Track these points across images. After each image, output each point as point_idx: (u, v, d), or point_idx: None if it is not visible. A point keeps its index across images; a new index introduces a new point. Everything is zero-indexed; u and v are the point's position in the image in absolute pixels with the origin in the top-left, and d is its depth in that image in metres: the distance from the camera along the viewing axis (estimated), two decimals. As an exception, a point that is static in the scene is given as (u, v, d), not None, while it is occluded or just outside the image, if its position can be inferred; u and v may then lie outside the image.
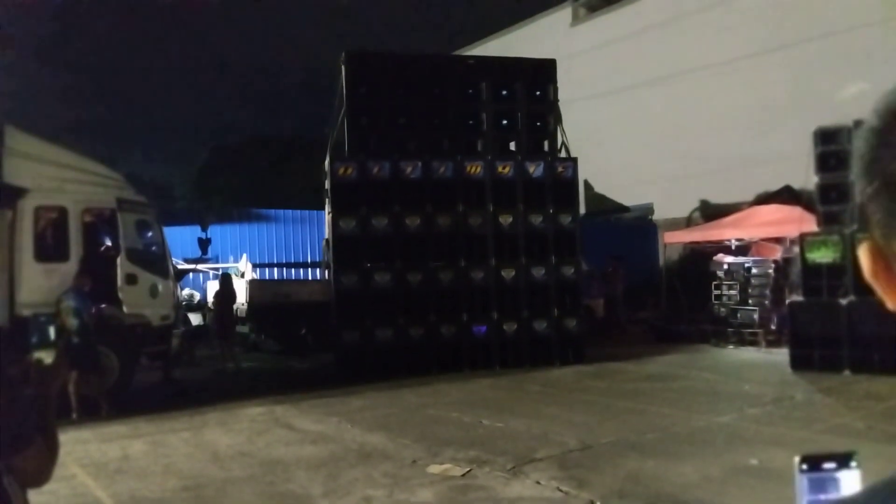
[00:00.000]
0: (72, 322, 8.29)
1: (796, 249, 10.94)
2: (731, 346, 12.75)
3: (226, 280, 12.72)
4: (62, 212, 9.13)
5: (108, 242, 9.70)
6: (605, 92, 20.73)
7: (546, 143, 12.60)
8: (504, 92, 12.35)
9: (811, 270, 9.92)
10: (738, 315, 13.05)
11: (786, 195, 14.82)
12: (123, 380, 9.15)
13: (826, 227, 10.01)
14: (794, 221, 11.86)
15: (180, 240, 14.61)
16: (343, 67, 11.72)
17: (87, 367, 8.27)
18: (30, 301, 8.68)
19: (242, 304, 14.39)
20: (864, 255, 0.58)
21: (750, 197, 15.86)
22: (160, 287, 9.80)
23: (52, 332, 8.47)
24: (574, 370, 10.98)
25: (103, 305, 9.06)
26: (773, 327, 12.60)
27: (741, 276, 13.24)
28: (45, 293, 8.57)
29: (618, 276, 16.09)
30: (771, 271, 13.01)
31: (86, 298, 8.52)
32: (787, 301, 10.99)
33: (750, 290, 13.07)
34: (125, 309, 9.35)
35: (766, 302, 12.82)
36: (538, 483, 5.50)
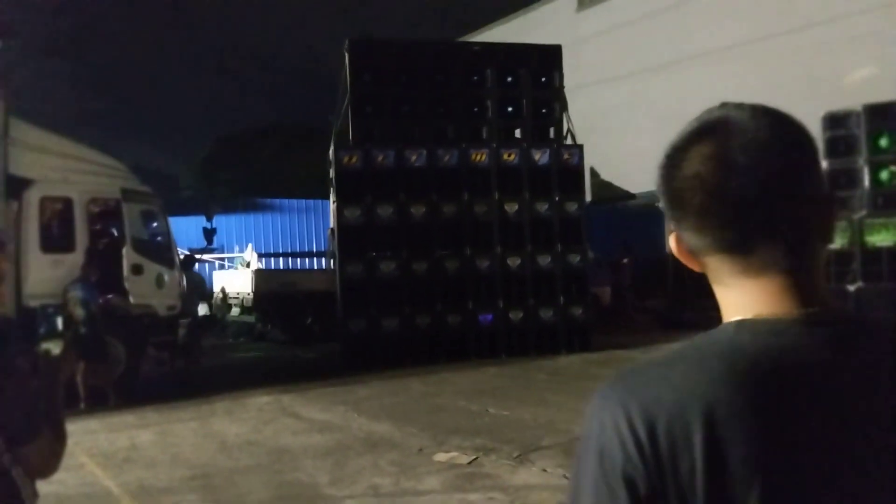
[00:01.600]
0: (79, 312, 8.32)
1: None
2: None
3: None
4: (67, 202, 9.13)
5: (114, 233, 9.70)
6: (612, 78, 20.57)
7: (552, 130, 12.53)
8: (509, 78, 12.26)
9: (819, 257, 9.85)
10: (746, 302, 12.97)
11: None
12: (131, 370, 9.19)
13: (835, 212, 9.94)
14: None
15: (186, 230, 14.64)
16: (346, 55, 11.64)
17: (95, 357, 8.30)
18: (36, 292, 8.70)
19: (248, 294, 14.44)
20: (671, 238, 0.89)
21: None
22: (166, 277, 9.81)
23: (59, 322, 8.50)
24: (580, 358, 10.96)
25: (110, 296, 9.08)
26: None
27: (748, 263, 13.15)
28: (52, 284, 8.58)
29: (625, 264, 16.03)
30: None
31: (92, 289, 8.54)
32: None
33: (757, 277, 13.00)
34: (131, 299, 9.37)
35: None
36: (544, 471, 5.50)
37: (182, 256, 11.38)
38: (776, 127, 0.82)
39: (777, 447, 0.74)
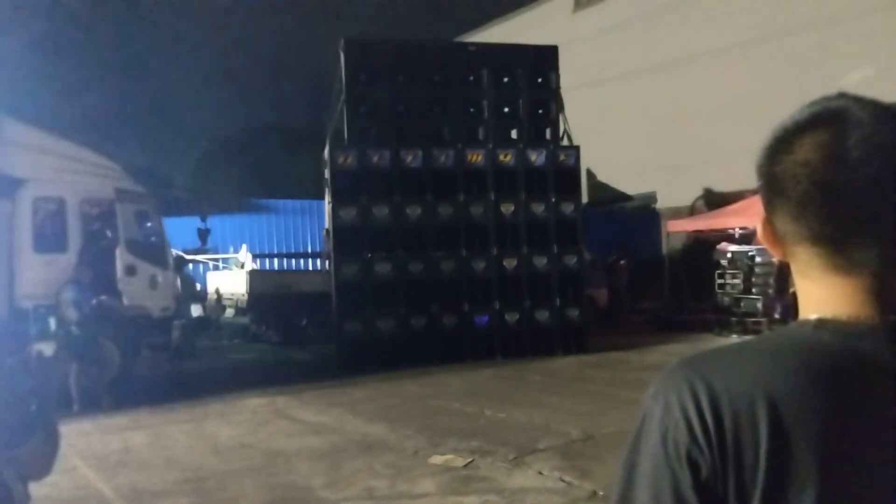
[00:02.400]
0: (72, 313, 8.26)
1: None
2: (735, 336, 12.69)
3: None
4: (61, 203, 9.08)
5: (108, 233, 9.64)
6: (608, 79, 20.58)
7: (548, 131, 12.51)
8: (505, 79, 12.23)
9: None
10: (742, 304, 12.98)
11: (790, 183, 14.70)
12: (124, 371, 9.13)
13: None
14: (797, 209, 11.76)
15: (180, 230, 14.55)
16: (342, 55, 11.61)
17: (88, 358, 8.25)
18: (29, 293, 8.65)
19: (243, 295, 14.37)
20: (758, 224, 0.88)
21: (754, 185, 15.68)
22: (160, 278, 9.76)
23: (52, 323, 8.44)
24: (576, 360, 10.95)
25: (103, 297, 9.02)
26: (776, 316, 12.54)
27: (745, 265, 13.16)
28: (45, 285, 8.53)
29: (621, 266, 16.03)
30: (774, 260, 12.90)
31: (85, 290, 8.49)
32: (791, 290, 10.91)
33: (753, 279, 13.00)
34: (125, 300, 9.31)
35: (770, 291, 12.76)
36: (540, 473, 5.47)
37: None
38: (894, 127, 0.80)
39: (839, 452, 0.74)
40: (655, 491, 0.77)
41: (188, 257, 13.97)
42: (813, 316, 0.82)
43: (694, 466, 0.75)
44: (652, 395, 0.82)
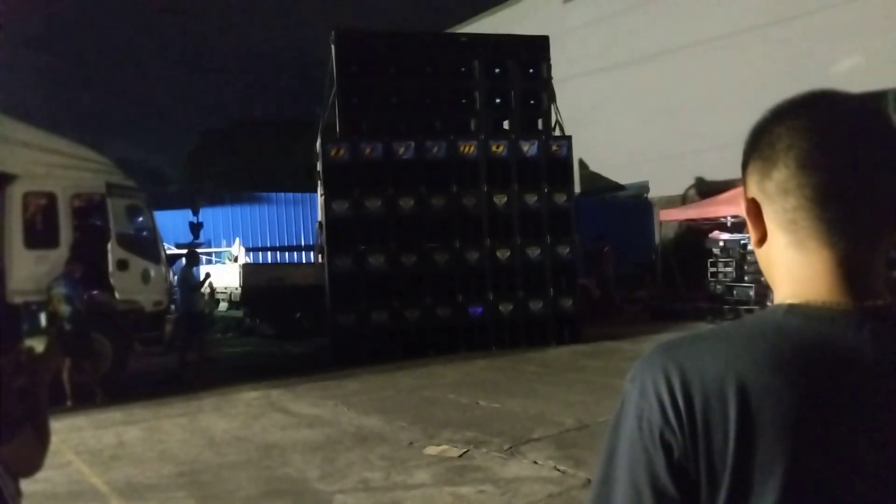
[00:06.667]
0: (63, 309, 8.22)
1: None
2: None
3: None
4: (51, 198, 9.02)
5: (99, 228, 9.59)
6: (600, 69, 20.55)
7: (540, 122, 12.50)
8: (497, 70, 12.22)
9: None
10: (734, 292, 13.04)
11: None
12: (117, 366, 9.11)
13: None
14: (789, 197, 11.79)
15: (172, 224, 14.50)
16: (333, 46, 11.55)
17: (80, 354, 8.22)
18: (20, 288, 8.60)
19: (236, 289, 14.35)
20: (744, 200, 0.88)
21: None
22: (152, 272, 9.72)
23: (43, 319, 8.40)
24: (570, 350, 10.98)
25: (95, 292, 8.98)
26: (769, 303, 12.59)
27: (737, 253, 13.22)
28: (36, 280, 8.49)
29: (606, 253, 16.02)
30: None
31: (77, 285, 8.44)
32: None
33: (746, 267, 13.05)
34: (117, 295, 9.28)
35: (762, 278, 12.80)
36: (535, 463, 5.50)
37: (186, 253, 11.33)
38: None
39: (806, 436, 0.74)
40: (632, 471, 0.79)
41: (176, 251, 13.91)
42: (786, 301, 0.83)
43: (667, 448, 0.77)
44: (630, 378, 0.83)
